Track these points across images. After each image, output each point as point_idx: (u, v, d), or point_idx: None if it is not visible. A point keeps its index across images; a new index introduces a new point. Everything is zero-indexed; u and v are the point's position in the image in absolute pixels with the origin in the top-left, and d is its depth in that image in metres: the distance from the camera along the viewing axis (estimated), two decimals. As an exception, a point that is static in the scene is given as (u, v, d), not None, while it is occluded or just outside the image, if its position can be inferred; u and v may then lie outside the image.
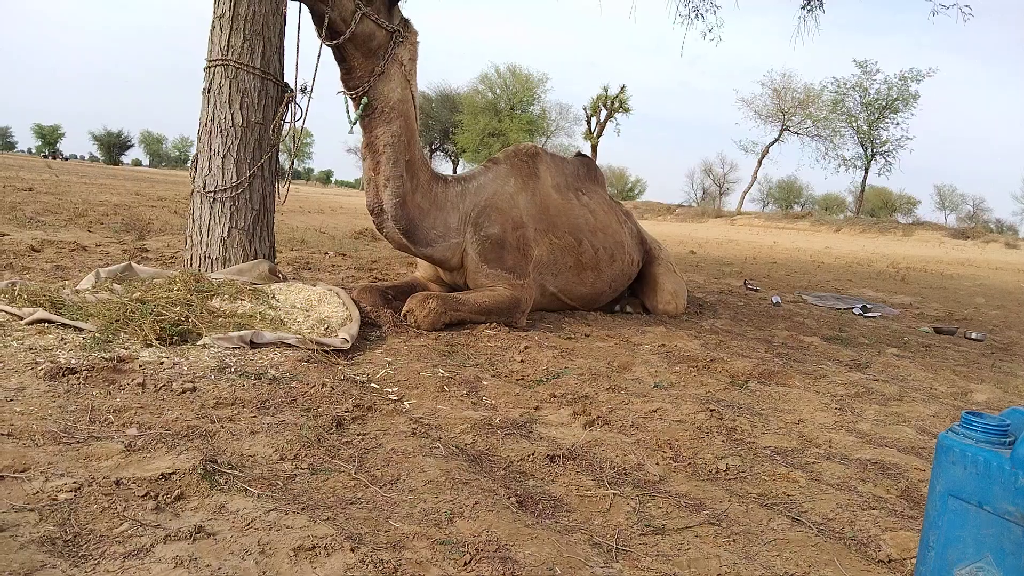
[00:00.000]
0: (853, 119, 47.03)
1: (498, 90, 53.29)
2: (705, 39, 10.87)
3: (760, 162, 51.51)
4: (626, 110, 48.04)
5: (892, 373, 4.59)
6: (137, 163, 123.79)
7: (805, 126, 49.95)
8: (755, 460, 2.74)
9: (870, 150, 47.09)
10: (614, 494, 2.29)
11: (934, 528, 1.56)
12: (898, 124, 46.11)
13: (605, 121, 48.26)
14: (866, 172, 48.00)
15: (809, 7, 10.32)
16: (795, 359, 4.71)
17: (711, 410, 3.20)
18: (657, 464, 2.60)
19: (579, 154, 6.38)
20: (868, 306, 8.07)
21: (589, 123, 49.58)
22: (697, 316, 6.24)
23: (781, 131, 50.57)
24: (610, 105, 47.79)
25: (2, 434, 2.15)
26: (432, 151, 61.09)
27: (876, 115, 46.03)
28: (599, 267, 5.49)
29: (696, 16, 10.59)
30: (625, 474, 2.48)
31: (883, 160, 47.05)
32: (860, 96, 46.52)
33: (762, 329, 5.86)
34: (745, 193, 53.90)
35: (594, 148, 47.26)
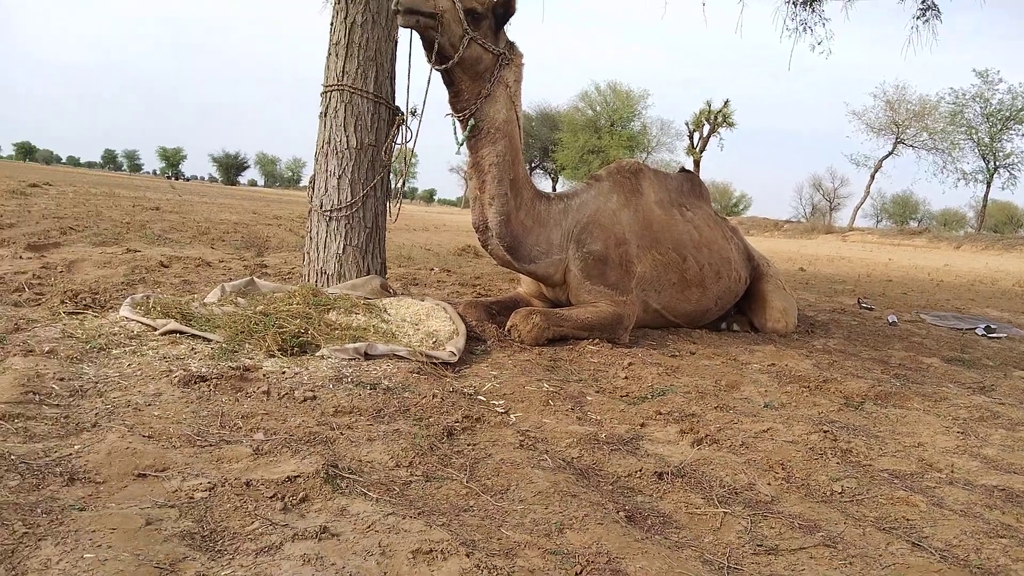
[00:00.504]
0: (973, 131, 44.45)
1: (598, 107, 53.38)
2: (814, 52, 10.50)
3: (873, 176, 49.36)
4: (730, 124, 47.23)
5: (1020, 397, 4.32)
6: (252, 183, 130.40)
7: (921, 139, 47.60)
8: (872, 483, 2.64)
9: (992, 163, 44.37)
10: (724, 512, 2.26)
11: (1073, 559, 1.48)
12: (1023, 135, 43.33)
13: (708, 136, 47.59)
14: (988, 186, 45.22)
15: (925, 18, 9.84)
16: (913, 380, 4.51)
17: (824, 431, 3.11)
18: (768, 484, 2.55)
19: (683, 169, 6.33)
20: (992, 326, 7.60)
21: (691, 138, 49.00)
22: (808, 335, 6.05)
23: (895, 144, 48.37)
24: (713, 120, 47.08)
25: (143, 436, 2.33)
26: (532, 169, 61.65)
27: (999, 126, 43.37)
28: (704, 284, 5.41)
29: (804, 29, 10.33)
30: (735, 493, 2.45)
31: (1007, 173, 44.20)
32: (981, 107, 43.97)
33: (877, 349, 5.62)
34: (857, 208, 51.74)
35: (697, 163, 46.63)
